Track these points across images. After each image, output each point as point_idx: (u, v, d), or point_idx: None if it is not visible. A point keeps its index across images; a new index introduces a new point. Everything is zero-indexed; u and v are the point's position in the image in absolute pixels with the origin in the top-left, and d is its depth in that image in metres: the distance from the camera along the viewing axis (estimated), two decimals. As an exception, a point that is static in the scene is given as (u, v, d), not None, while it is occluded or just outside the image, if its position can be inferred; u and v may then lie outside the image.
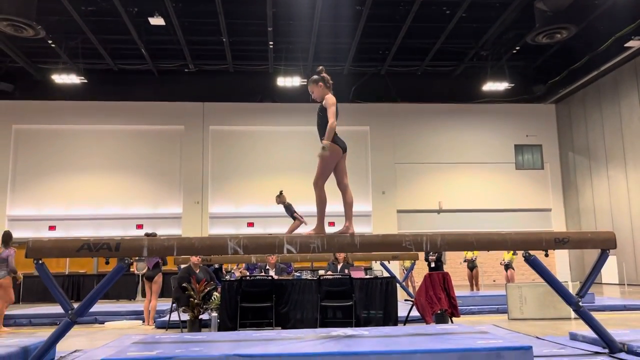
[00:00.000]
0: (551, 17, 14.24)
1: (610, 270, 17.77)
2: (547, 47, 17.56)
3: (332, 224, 19.86)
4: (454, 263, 18.81)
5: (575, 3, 13.95)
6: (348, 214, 4.67)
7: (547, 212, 20.55)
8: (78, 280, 15.52)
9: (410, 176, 20.16)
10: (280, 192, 8.72)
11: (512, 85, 19.41)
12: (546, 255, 4.81)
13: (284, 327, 7.30)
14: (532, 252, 4.82)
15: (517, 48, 17.77)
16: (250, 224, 19.24)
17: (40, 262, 4.16)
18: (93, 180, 19.00)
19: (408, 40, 16.95)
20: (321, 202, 4.62)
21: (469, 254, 14.33)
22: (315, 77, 4.77)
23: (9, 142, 18.85)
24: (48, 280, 4.16)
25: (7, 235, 8.53)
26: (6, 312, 9.30)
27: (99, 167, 19.09)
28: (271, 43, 16.96)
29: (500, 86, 19.21)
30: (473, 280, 14.45)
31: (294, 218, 8.42)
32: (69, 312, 4.13)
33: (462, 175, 20.30)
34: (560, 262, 19.85)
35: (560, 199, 20.71)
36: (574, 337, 5.52)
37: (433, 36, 16.96)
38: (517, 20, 15.88)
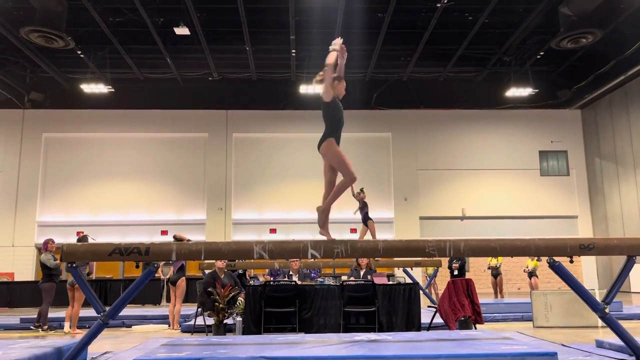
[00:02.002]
0: (576, 22, 14.08)
1: (639, 278, 17.37)
2: (572, 52, 17.35)
3: (353, 230, 20.05)
4: (478, 270, 18.63)
5: (600, 7, 13.78)
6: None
7: (573, 219, 20.22)
8: (105, 285, 15.80)
9: (432, 183, 20.06)
10: (362, 190, 8.85)
11: (537, 90, 19.21)
12: (571, 261, 4.78)
13: (307, 332, 7.36)
14: (556, 259, 4.79)
15: (542, 53, 17.60)
16: (273, 230, 19.38)
17: (74, 265, 4.31)
18: (119, 187, 19.40)
19: (430, 46, 16.94)
20: (334, 194, 4.51)
21: (493, 261, 14.20)
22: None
23: (39, 150, 19.37)
24: (82, 283, 4.31)
25: (82, 239, 8.75)
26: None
27: (125, 174, 19.47)
28: (293, 51, 17.13)
29: (524, 92, 19.03)
30: (497, 287, 14.31)
31: (365, 222, 8.51)
32: (101, 314, 4.27)
33: (485, 182, 20.13)
34: (587, 270, 19.48)
35: (587, 206, 20.36)
36: (600, 344, 5.46)
37: (455, 42, 16.91)
38: (541, 25, 15.75)
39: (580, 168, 20.60)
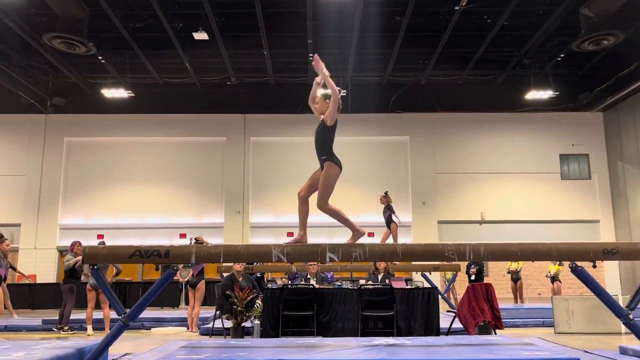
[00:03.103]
0: (597, 23, 13.87)
1: (663, 285, 16.99)
2: (594, 54, 17.09)
3: (371, 234, 19.89)
4: (497, 275, 18.41)
5: (622, 8, 13.56)
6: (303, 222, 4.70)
7: (595, 223, 19.87)
8: (124, 287, 15.98)
9: (451, 186, 19.90)
10: (386, 193, 8.92)
11: (557, 93, 18.95)
12: (594, 266, 4.70)
13: (325, 336, 7.33)
14: (579, 264, 4.71)
15: (562, 55, 17.37)
16: (290, 234, 19.36)
17: (95, 267, 4.37)
18: (139, 190, 19.62)
19: (448, 49, 16.83)
20: (337, 213, 4.66)
21: (513, 265, 14.04)
22: (329, 93, 4.78)
23: (61, 154, 19.70)
24: (103, 285, 4.36)
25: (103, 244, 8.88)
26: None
27: (145, 178, 19.69)
28: (311, 55, 17.16)
29: (545, 94, 18.80)
30: (517, 292, 14.14)
31: (389, 225, 8.57)
32: (122, 316, 4.31)
33: (505, 186, 19.91)
34: (609, 275, 19.13)
35: (609, 210, 19.99)
36: (624, 351, 5.35)
37: (474, 45, 16.79)
38: (561, 27, 15.55)
39: (602, 171, 20.25)
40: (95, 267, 4.37)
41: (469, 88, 19.92)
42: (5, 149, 19.66)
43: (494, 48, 16.97)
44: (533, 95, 18.80)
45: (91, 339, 8.12)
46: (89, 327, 8.88)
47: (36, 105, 19.24)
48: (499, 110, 20.16)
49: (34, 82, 18.57)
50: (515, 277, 14.07)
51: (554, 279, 13.86)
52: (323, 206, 4.59)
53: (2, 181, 19.37)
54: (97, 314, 9.13)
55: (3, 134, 19.72)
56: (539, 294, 18.63)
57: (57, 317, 9.46)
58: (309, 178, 4.84)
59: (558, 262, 13.21)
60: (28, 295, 15.52)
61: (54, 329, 9.16)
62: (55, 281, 17.30)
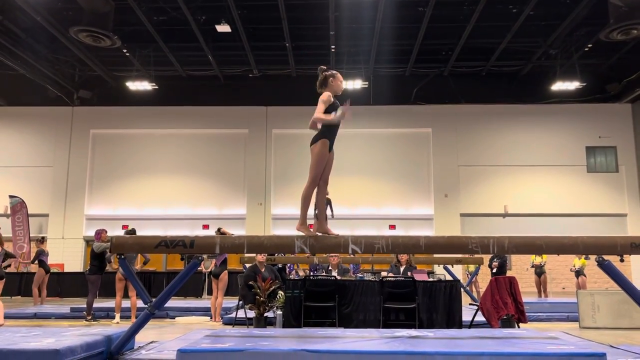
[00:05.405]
0: (627, 13, 13.50)
1: (693, 280, 16.61)
2: (623, 44, 16.67)
3: (392, 227, 19.73)
4: (520, 269, 18.20)
5: (653, -4, 13.19)
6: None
7: (622, 217, 19.47)
8: (149, 277, 16.20)
9: (474, 179, 19.70)
10: None
11: (584, 84, 18.57)
12: (621, 260, 4.62)
13: (346, 327, 7.37)
14: (606, 257, 4.64)
15: (590, 45, 16.98)
16: (311, 226, 19.31)
17: (122, 257, 4.46)
18: (163, 182, 19.89)
19: (472, 40, 16.61)
20: (307, 204, 4.64)
21: (537, 259, 13.87)
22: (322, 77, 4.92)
23: (87, 146, 20.07)
24: (130, 274, 4.45)
25: (132, 232, 8.87)
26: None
27: (168, 169, 19.95)
28: (333, 47, 17.12)
29: (571, 85, 18.43)
30: (541, 286, 13.97)
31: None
32: (148, 304, 4.40)
33: (529, 179, 19.62)
34: (636, 270, 18.75)
35: (637, 204, 19.56)
36: (652, 347, 5.25)
37: (498, 35, 16.53)
38: (589, 16, 15.20)
39: (630, 164, 19.80)
40: (123, 256, 4.47)
41: (493, 80, 19.64)
42: (34, 140, 20.12)
43: (519, 38, 16.68)
44: (559, 86, 18.45)
45: (118, 326, 8.29)
46: (117, 316, 9.05)
47: (63, 97, 19.61)
48: (523, 102, 19.84)
49: (61, 75, 18.91)
50: (539, 271, 13.90)
51: (578, 273, 13.65)
52: (306, 190, 4.55)
53: (31, 172, 19.84)
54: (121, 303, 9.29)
55: (31, 126, 20.17)
56: (563, 289, 18.38)
57: (84, 305, 9.66)
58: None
59: (584, 256, 13.00)
60: (56, 284, 15.89)
61: (84, 320, 9.33)
62: (82, 270, 17.67)
